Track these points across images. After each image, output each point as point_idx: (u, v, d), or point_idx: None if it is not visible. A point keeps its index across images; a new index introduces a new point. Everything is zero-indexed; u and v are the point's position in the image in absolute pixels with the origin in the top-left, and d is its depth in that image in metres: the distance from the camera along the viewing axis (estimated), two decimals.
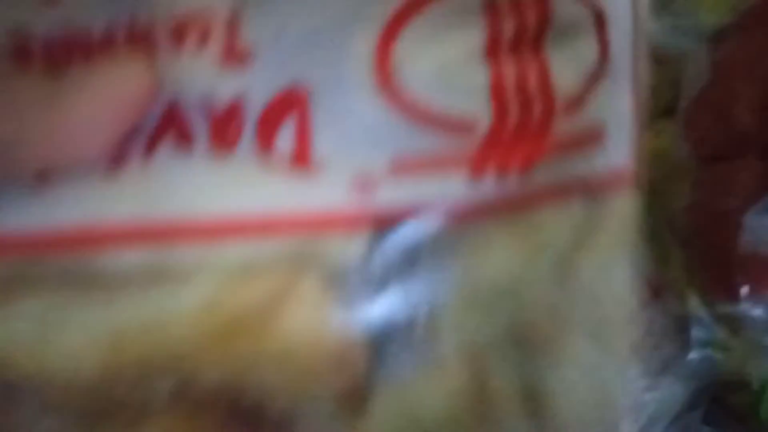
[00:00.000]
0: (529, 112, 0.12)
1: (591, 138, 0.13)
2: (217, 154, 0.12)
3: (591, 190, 0.13)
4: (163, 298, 0.11)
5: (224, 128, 0.12)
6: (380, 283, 0.12)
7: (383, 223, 0.12)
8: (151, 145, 0.11)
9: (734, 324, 0.25)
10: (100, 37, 0.11)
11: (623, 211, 0.14)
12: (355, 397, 0.12)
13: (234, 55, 0.11)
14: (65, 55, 0.11)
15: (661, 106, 0.28)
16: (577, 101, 0.13)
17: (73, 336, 0.11)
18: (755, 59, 0.24)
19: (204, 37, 0.11)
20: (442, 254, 0.12)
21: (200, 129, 0.12)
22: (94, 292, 0.11)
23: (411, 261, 0.12)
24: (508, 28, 0.12)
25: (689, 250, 0.26)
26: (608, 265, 0.14)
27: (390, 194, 0.12)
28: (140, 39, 0.11)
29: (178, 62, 0.11)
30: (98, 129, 0.11)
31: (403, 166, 0.12)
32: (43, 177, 0.11)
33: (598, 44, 0.13)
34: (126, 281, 0.11)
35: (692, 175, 0.25)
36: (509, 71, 0.12)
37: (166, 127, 0.11)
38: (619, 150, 0.13)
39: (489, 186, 0.12)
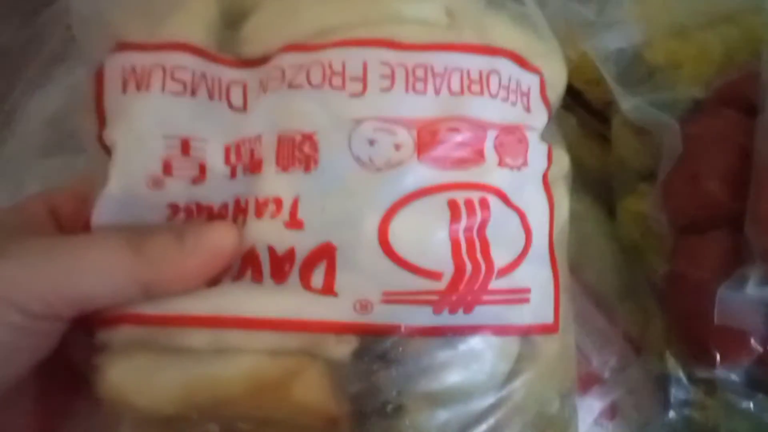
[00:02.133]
0: (477, 272, 0.19)
1: (519, 296, 0.19)
2: (275, 282, 0.18)
3: (524, 333, 0.19)
4: (219, 365, 0.17)
5: (281, 267, 0.18)
6: (366, 375, 0.18)
7: (373, 333, 0.18)
8: (239, 275, 0.18)
9: (711, 386, 0.26)
10: (218, 209, 0.19)
11: (551, 351, 0.20)
12: None
13: (293, 223, 0.18)
14: (195, 217, 0.19)
15: (642, 171, 0.29)
16: (508, 269, 0.19)
17: (160, 382, 0.17)
18: (727, 134, 0.25)
19: (276, 210, 0.18)
20: (409, 364, 0.18)
21: (266, 267, 0.18)
22: (177, 357, 0.17)
23: (388, 363, 0.18)
24: (464, 222, 0.19)
25: (667, 314, 0.27)
26: (540, 391, 0.19)
27: (379, 317, 0.18)
28: (239, 211, 0.19)
29: (259, 224, 0.18)
30: (206, 267, 0.18)
31: (391, 298, 0.18)
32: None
33: (524, 239, 0.20)
34: (197, 352, 0.17)
35: (669, 243, 0.26)
36: (464, 245, 0.19)
37: (246, 264, 0.18)
38: (543, 310, 0.20)
39: (446, 317, 0.18)
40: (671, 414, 0.27)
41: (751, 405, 0.25)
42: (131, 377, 0.17)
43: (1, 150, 0.32)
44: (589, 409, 0.27)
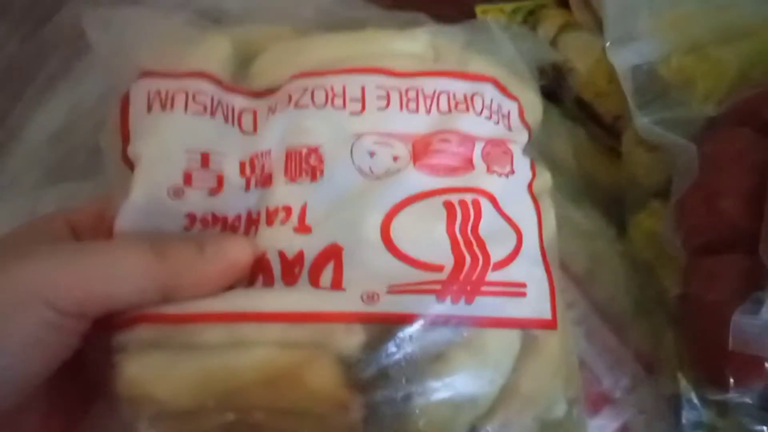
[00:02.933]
0: (475, 263, 0.19)
1: (516, 289, 0.20)
2: (286, 285, 0.19)
3: (523, 327, 0.20)
4: (233, 357, 0.18)
5: (291, 270, 0.19)
6: (375, 364, 0.18)
7: (381, 322, 0.18)
8: (251, 282, 0.19)
9: (723, 407, 0.25)
10: (232, 220, 0.20)
11: (552, 348, 0.20)
12: None
13: (302, 228, 0.20)
14: (210, 227, 0.20)
15: (653, 187, 0.29)
16: (503, 263, 0.20)
17: (177, 375, 0.18)
18: (744, 152, 0.24)
19: (286, 217, 0.20)
20: (417, 353, 0.18)
21: (277, 271, 0.19)
22: (193, 352, 0.18)
23: (396, 353, 0.18)
24: (459, 220, 0.20)
25: (680, 335, 0.27)
26: (546, 388, 0.20)
27: (385, 306, 0.18)
28: (251, 223, 0.20)
29: (270, 231, 0.20)
30: (224, 275, 0.19)
31: (396, 289, 0.19)
32: None
33: (515, 239, 0.21)
34: (212, 347, 0.18)
35: (683, 263, 0.26)
36: (461, 240, 0.20)
37: (258, 270, 0.19)
38: (540, 305, 0.20)
39: (449, 306, 0.19)
40: None
41: (765, 429, 0.24)
42: (149, 371, 0.18)
43: (4, 165, 0.32)
44: (601, 430, 0.27)
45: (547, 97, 0.33)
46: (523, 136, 0.24)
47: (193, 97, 0.21)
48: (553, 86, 0.34)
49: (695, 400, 0.26)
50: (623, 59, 0.25)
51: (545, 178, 0.24)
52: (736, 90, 0.26)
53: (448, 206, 0.20)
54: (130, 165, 0.20)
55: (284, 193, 0.20)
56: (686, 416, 0.26)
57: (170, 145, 0.20)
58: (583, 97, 0.32)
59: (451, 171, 0.21)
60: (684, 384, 0.26)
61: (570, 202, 0.30)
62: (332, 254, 0.19)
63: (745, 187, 0.24)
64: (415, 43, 0.24)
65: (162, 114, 0.21)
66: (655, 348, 0.28)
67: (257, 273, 0.19)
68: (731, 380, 0.24)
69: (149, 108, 0.21)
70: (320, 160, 0.20)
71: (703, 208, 0.25)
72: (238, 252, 0.19)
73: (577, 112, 0.33)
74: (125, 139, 0.21)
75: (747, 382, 0.24)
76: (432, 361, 0.18)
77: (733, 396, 0.25)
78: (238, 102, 0.22)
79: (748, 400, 0.25)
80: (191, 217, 0.20)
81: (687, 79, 0.26)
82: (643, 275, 0.29)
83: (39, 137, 0.31)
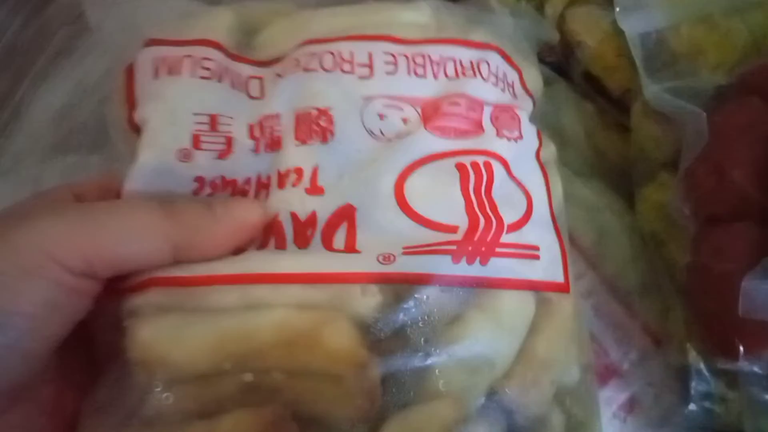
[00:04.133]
0: (489, 225, 0.19)
1: (530, 251, 0.20)
2: (299, 247, 0.19)
3: (537, 289, 0.20)
4: (249, 318, 0.17)
5: (304, 232, 0.19)
6: (393, 325, 0.18)
7: (398, 282, 0.18)
8: (262, 244, 0.19)
9: (732, 378, 0.25)
10: (241, 183, 0.20)
11: (566, 312, 0.20)
12: (372, 420, 0.17)
13: (314, 189, 0.19)
14: (220, 191, 0.20)
15: (662, 160, 0.28)
16: (516, 225, 0.20)
17: (193, 337, 0.17)
18: (754, 122, 0.24)
19: (297, 179, 0.20)
20: (434, 314, 0.18)
21: (289, 233, 0.19)
22: (208, 315, 0.17)
23: (415, 313, 0.18)
24: (473, 181, 0.20)
25: (689, 306, 0.26)
26: (561, 353, 0.20)
27: (401, 267, 0.18)
28: (261, 186, 0.20)
29: (282, 194, 0.19)
30: (234, 235, 0.18)
31: (412, 250, 0.18)
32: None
33: (526, 203, 0.21)
34: (227, 309, 0.17)
35: (692, 233, 0.26)
36: (475, 201, 0.20)
37: (270, 233, 0.19)
38: (553, 269, 0.20)
39: (464, 267, 0.19)
40: (692, 407, 0.27)
41: None
42: (164, 334, 0.17)
43: (10, 144, 0.32)
44: (608, 402, 0.27)
45: (556, 73, 0.33)
46: (528, 105, 0.24)
47: (200, 63, 0.21)
48: (561, 61, 0.34)
49: (704, 371, 0.26)
50: (632, 26, 0.25)
51: (551, 150, 0.24)
52: (746, 60, 0.25)
53: (461, 168, 0.20)
54: (136, 130, 0.20)
55: (295, 155, 0.20)
56: (695, 387, 0.26)
57: (178, 108, 0.20)
58: (592, 71, 0.32)
59: (462, 134, 0.21)
60: (693, 354, 0.26)
61: (578, 176, 0.30)
62: (346, 215, 0.19)
63: (755, 156, 0.24)
64: (419, 13, 0.24)
65: (169, 78, 0.20)
66: (663, 321, 0.28)
67: (269, 235, 0.19)
68: (741, 348, 0.24)
69: (156, 74, 0.20)
70: (330, 122, 0.20)
71: (712, 177, 0.25)
72: (247, 212, 0.19)
73: (586, 87, 0.33)
74: (131, 105, 0.21)
75: (757, 350, 0.24)
76: (449, 323, 0.18)
77: (742, 365, 0.24)
78: (245, 69, 0.22)
79: (757, 369, 0.25)
80: (200, 181, 0.20)
81: (697, 49, 0.26)
82: (651, 248, 0.29)
83: (43, 116, 0.31)
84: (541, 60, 0.36)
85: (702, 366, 0.26)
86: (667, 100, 0.25)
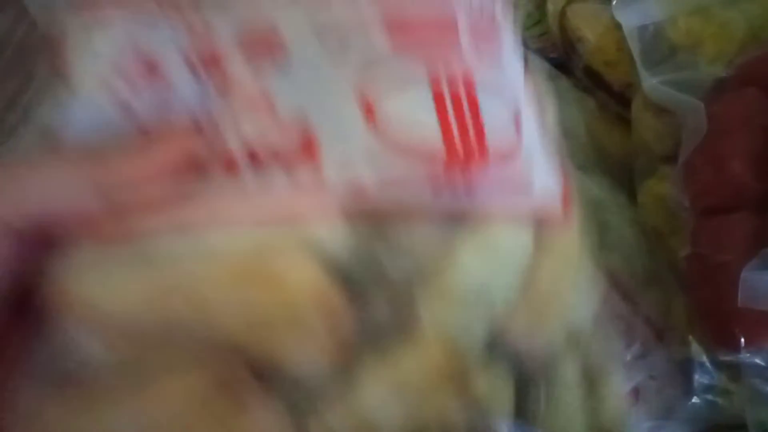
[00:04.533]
0: (471, 152, 0.17)
1: (519, 179, 0.17)
2: (256, 181, 0.16)
3: (532, 217, 0.18)
4: (198, 264, 0.15)
5: (260, 164, 0.16)
6: (369, 263, 0.16)
7: (371, 219, 0.16)
8: (212, 179, 0.16)
9: (734, 371, 0.25)
10: (182, 117, 0.17)
11: (567, 244, 0.18)
12: (347, 365, 0.15)
13: (269, 116, 0.17)
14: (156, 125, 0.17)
15: (663, 153, 0.29)
16: (505, 154, 0.17)
17: (133, 285, 0.15)
18: (750, 114, 0.24)
19: (251, 107, 0.17)
20: (416, 250, 0.16)
21: (245, 165, 0.16)
22: (149, 264, 0.15)
23: (393, 249, 0.16)
24: (450, 107, 0.17)
25: (690, 297, 0.27)
26: (561, 285, 0.18)
27: (375, 200, 0.16)
28: (207, 115, 0.17)
29: (231, 122, 0.16)
30: (169, 166, 0.16)
31: (386, 182, 0.16)
32: None
33: (513, 125, 0.18)
34: (172, 255, 0.15)
35: (691, 225, 0.26)
36: (455, 126, 0.17)
37: (221, 165, 0.16)
38: (548, 196, 0.18)
39: (447, 198, 0.16)
40: (694, 399, 0.27)
41: None
42: (103, 286, 0.15)
43: (16, 148, 0.32)
44: None
45: (558, 68, 0.33)
46: (509, 13, 0.19)
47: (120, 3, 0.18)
48: (563, 56, 0.34)
49: (707, 364, 0.26)
50: (630, 19, 0.25)
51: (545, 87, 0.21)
52: (743, 51, 0.26)
53: (436, 88, 0.17)
54: (62, 76, 0.17)
55: (244, 79, 0.17)
56: (698, 380, 0.26)
57: (102, 46, 0.17)
58: (593, 66, 0.32)
59: (434, 48, 0.17)
60: (695, 347, 0.26)
61: (580, 170, 0.30)
62: (308, 144, 0.16)
63: (752, 147, 0.24)
64: None
65: (91, 19, 0.17)
66: (665, 313, 0.28)
67: (221, 168, 0.16)
68: (742, 340, 0.24)
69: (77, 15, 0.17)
70: (282, 42, 0.17)
71: (710, 169, 0.25)
72: (184, 139, 0.16)
73: (587, 82, 0.33)
74: (55, 54, 0.17)
75: (758, 341, 0.24)
76: (436, 259, 0.16)
77: (744, 357, 0.24)
78: None
79: (759, 361, 0.25)
80: (136, 123, 0.17)
81: (694, 41, 0.26)
82: (653, 242, 0.29)
83: (50, 119, 0.32)
84: (544, 57, 0.37)
85: (705, 358, 0.26)
86: (665, 92, 0.25)
